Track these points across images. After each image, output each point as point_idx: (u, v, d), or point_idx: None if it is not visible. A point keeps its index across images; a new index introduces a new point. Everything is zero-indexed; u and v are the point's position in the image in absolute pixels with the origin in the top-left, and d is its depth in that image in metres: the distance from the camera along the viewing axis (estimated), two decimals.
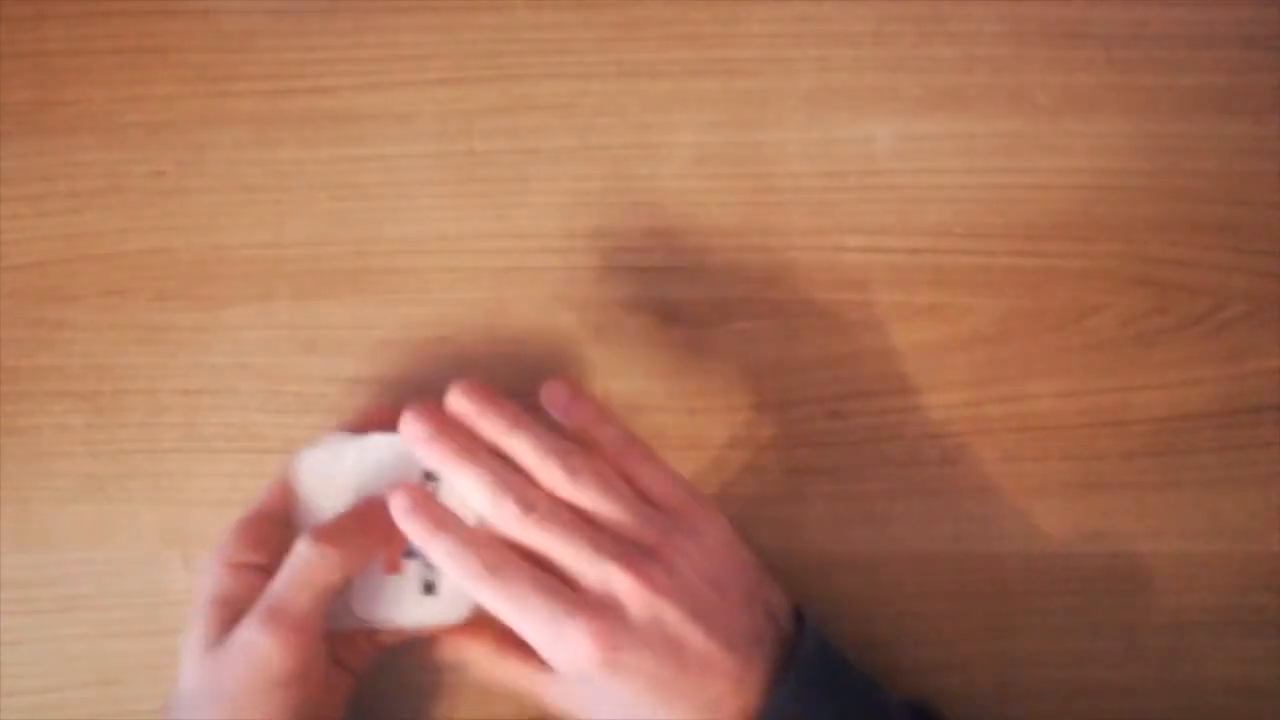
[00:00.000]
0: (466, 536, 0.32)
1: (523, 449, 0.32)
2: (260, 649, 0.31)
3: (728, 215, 0.41)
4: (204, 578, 0.34)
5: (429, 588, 0.34)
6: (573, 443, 0.33)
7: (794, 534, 0.41)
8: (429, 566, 0.34)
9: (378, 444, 0.35)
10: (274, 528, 0.34)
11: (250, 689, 0.31)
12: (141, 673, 0.40)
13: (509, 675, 0.34)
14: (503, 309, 0.41)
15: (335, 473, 0.35)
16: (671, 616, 0.31)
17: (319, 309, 0.41)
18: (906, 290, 0.41)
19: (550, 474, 0.32)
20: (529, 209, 0.41)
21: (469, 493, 0.32)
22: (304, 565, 0.32)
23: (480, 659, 0.34)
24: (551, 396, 0.35)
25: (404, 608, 0.34)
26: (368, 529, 0.34)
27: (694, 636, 0.31)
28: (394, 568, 0.34)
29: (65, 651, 0.40)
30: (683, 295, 0.41)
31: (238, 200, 0.41)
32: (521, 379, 0.41)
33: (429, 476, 0.34)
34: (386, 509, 0.33)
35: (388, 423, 0.34)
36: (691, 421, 0.41)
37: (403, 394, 0.41)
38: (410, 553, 0.34)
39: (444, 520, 0.32)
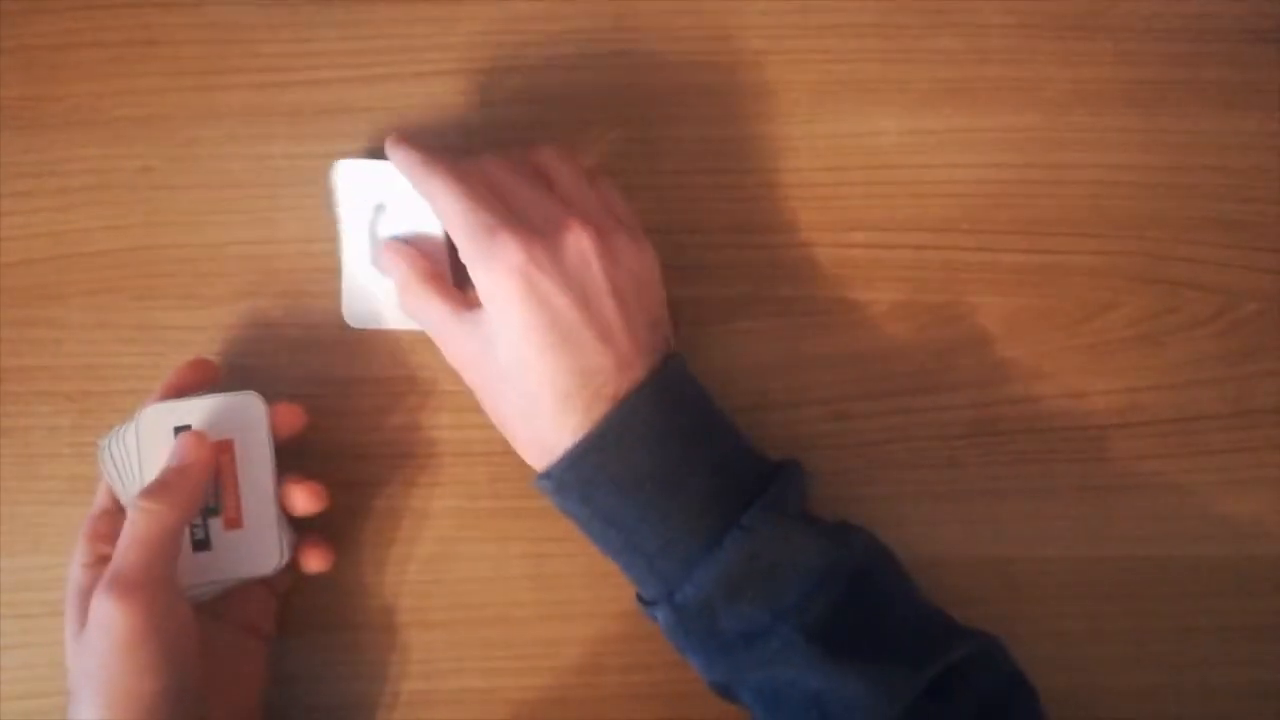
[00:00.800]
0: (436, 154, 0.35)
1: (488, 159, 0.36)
2: (104, 615, 0.32)
3: (730, 211, 0.41)
4: (67, 582, 0.36)
5: (200, 545, 0.36)
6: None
7: None
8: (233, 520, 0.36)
9: (158, 410, 0.36)
10: (115, 520, 0.36)
11: (108, 657, 0.32)
12: None
13: (425, 305, 0.36)
14: None
15: (134, 449, 0.36)
16: (598, 278, 0.33)
17: (310, 307, 0.41)
18: (912, 288, 0.41)
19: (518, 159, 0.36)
20: None
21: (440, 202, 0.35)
22: (129, 526, 0.33)
23: (410, 280, 0.36)
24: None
25: (208, 565, 0.36)
26: (183, 471, 0.35)
27: (607, 305, 0.33)
28: (235, 524, 0.36)
29: (54, 657, 0.40)
30: (683, 293, 0.41)
31: (228, 196, 0.41)
32: None
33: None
34: (200, 446, 0.35)
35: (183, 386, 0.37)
36: None
37: (398, 394, 0.41)
38: (212, 510, 0.36)
39: (419, 146, 0.36)
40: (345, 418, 0.40)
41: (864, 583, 0.34)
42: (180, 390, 0.37)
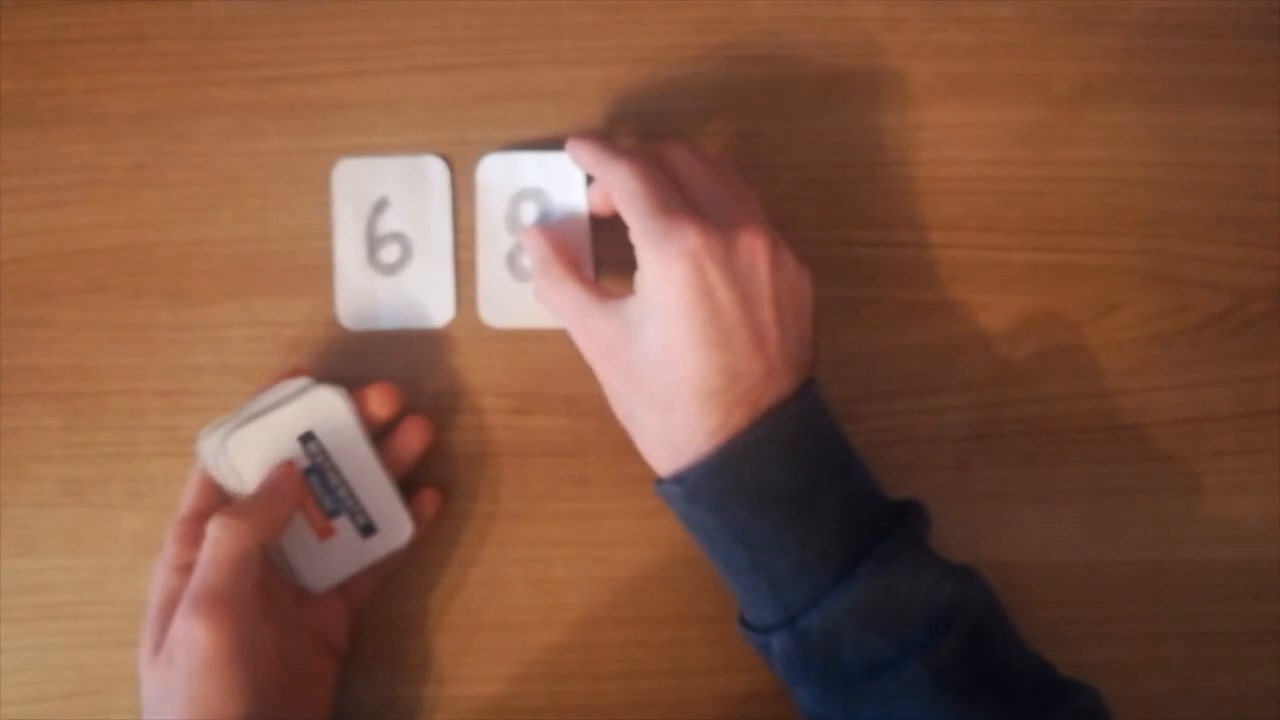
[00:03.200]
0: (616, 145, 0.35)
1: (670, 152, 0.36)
2: (188, 633, 0.32)
3: None
4: (153, 586, 0.35)
5: (367, 529, 0.37)
6: None
7: None
8: (357, 511, 0.37)
9: (247, 432, 0.36)
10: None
11: (191, 677, 0.32)
12: (122, 683, 0.40)
13: (565, 289, 0.35)
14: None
15: (229, 469, 0.36)
16: (763, 282, 0.33)
17: (304, 306, 0.40)
18: (919, 287, 0.40)
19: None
20: None
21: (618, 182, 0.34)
22: (212, 543, 0.33)
23: (550, 265, 0.36)
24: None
25: (354, 555, 0.37)
26: (270, 496, 0.35)
27: (766, 312, 0.33)
28: (327, 532, 0.37)
29: (45, 661, 0.40)
30: None
31: (220, 193, 0.41)
32: (521, 374, 0.40)
33: (306, 438, 0.37)
34: (289, 477, 0.35)
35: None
36: None
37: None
38: (335, 511, 0.37)
39: (602, 138, 0.36)
40: None
41: (987, 627, 0.34)
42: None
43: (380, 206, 0.40)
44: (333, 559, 0.37)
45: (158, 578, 0.35)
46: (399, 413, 0.38)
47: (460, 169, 0.40)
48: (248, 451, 0.36)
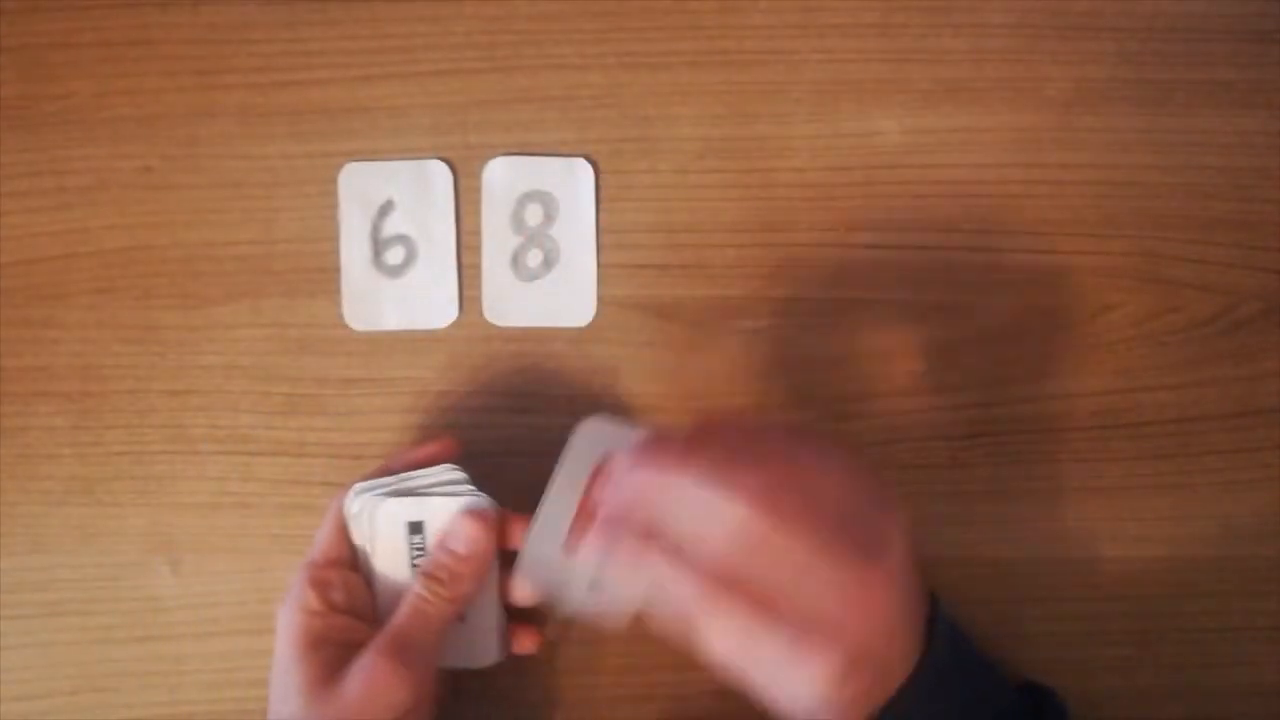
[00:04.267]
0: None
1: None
2: (384, 680, 0.33)
3: (730, 211, 0.41)
4: (288, 626, 0.35)
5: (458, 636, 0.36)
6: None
7: None
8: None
9: (397, 505, 0.36)
10: (341, 570, 0.36)
11: (378, 714, 0.32)
12: (129, 679, 0.40)
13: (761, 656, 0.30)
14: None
15: (368, 534, 0.36)
16: (880, 635, 0.29)
17: (310, 307, 0.41)
18: (914, 288, 0.41)
19: None
20: None
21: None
22: (422, 603, 0.34)
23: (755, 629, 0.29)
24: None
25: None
26: (468, 567, 0.35)
27: (880, 646, 0.30)
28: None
29: (52, 657, 0.40)
30: (684, 293, 0.41)
31: (227, 196, 0.41)
32: (524, 373, 0.40)
33: (414, 529, 0.36)
34: (486, 552, 0.35)
35: (427, 460, 0.37)
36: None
37: (398, 394, 0.40)
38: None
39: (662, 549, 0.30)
40: (344, 418, 0.40)
41: None
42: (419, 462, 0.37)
43: (385, 209, 0.41)
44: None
45: (294, 618, 0.34)
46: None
47: (464, 173, 0.41)
48: (393, 523, 0.36)
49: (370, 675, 0.33)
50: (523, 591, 0.36)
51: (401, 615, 0.34)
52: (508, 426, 0.40)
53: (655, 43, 0.41)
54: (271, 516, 0.40)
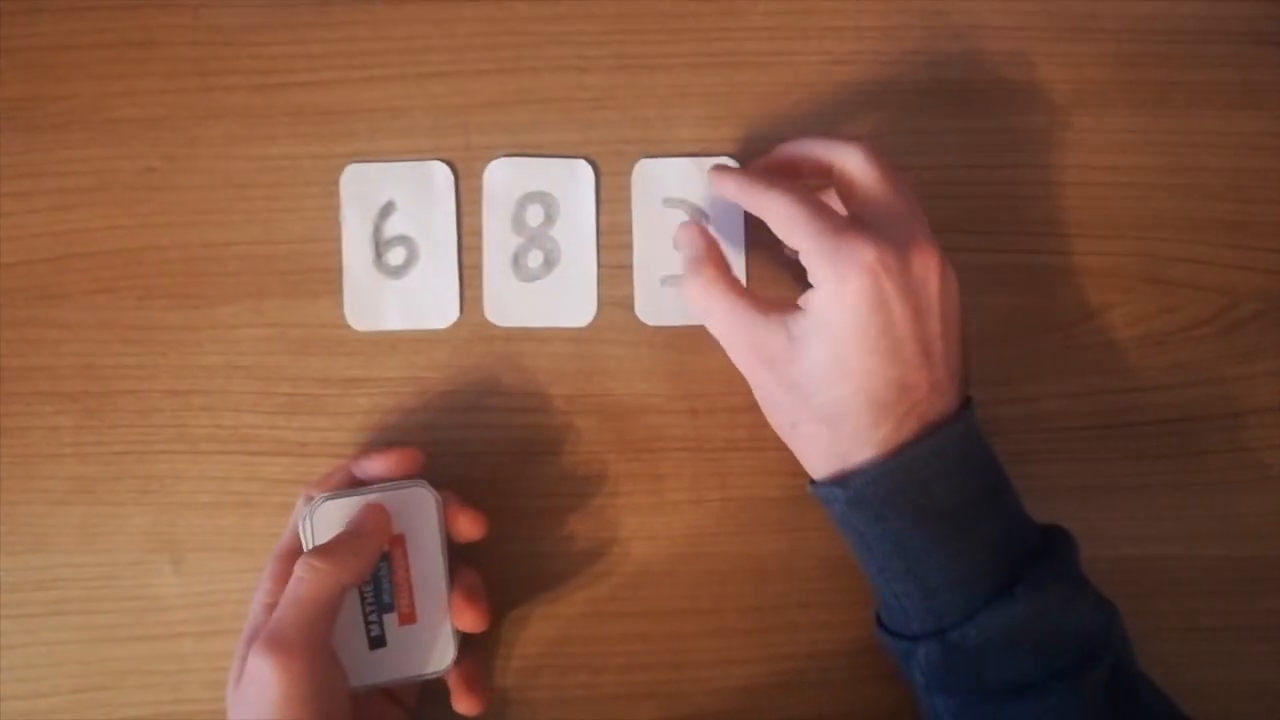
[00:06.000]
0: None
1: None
2: (261, 672, 0.32)
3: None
4: (247, 619, 0.35)
5: (376, 642, 0.36)
6: None
7: (796, 537, 0.40)
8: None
9: (334, 505, 0.36)
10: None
11: (261, 713, 0.32)
12: (130, 677, 0.40)
13: (726, 301, 0.35)
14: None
15: (310, 538, 0.36)
16: (934, 297, 0.33)
17: (311, 308, 0.41)
18: None
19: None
20: None
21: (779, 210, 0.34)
22: (295, 582, 0.33)
23: (704, 265, 0.35)
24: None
25: (396, 667, 0.36)
26: (358, 537, 0.35)
27: (934, 326, 0.33)
28: (379, 642, 0.36)
29: (55, 656, 0.40)
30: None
31: (228, 196, 0.41)
32: (524, 373, 0.40)
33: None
34: (377, 518, 0.35)
35: (386, 470, 0.37)
36: (692, 422, 0.40)
37: (400, 394, 0.41)
38: (387, 607, 0.36)
39: (744, 171, 0.37)
40: (345, 417, 0.41)
41: (1127, 665, 0.34)
42: (369, 472, 0.37)
43: (386, 210, 0.41)
44: (368, 660, 0.35)
45: (252, 609, 0.35)
46: (479, 540, 0.37)
47: (465, 174, 0.41)
48: (330, 524, 0.35)
49: (251, 670, 0.32)
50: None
51: (281, 602, 0.33)
52: (508, 426, 0.40)
53: (655, 44, 0.41)
54: (273, 516, 0.40)
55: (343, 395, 0.41)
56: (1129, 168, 0.41)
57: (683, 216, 0.41)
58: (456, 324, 0.41)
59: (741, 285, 0.35)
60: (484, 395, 0.41)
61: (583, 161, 0.41)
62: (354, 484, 0.37)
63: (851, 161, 0.34)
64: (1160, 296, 0.41)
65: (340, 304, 0.41)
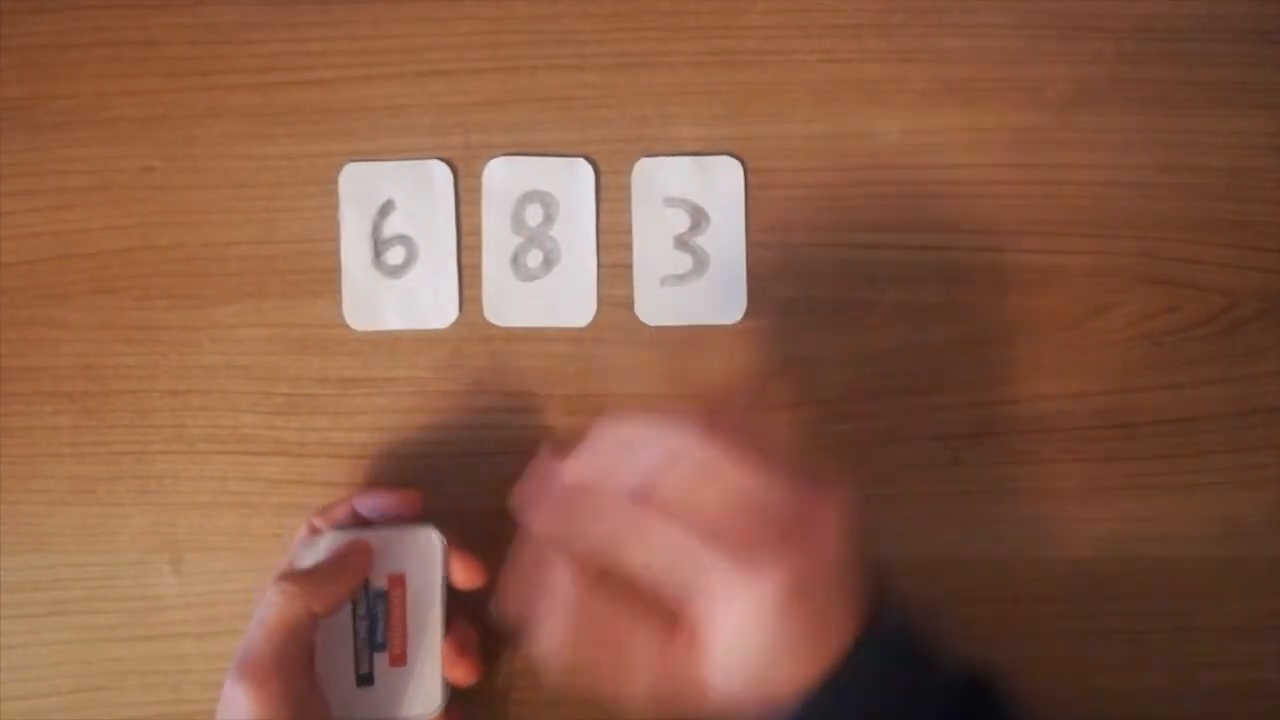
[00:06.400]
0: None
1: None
2: (231, 697, 0.32)
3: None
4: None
5: (364, 680, 0.35)
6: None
7: None
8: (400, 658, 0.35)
9: (339, 538, 0.36)
10: None
11: None
12: (130, 677, 0.40)
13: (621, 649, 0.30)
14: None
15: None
16: (834, 560, 0.29)
17: (311, 307, 0.41)
18: (913, 288, 0.41)
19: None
20: None
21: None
22: (266, 606, 0.33)
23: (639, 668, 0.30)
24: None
25: (382, 705, 0.35)
26: (335, 567, 0.34)
27: (841, 586, 0.30)
28: (367, 680, 0.35)
29: (54, 656, 0.40)
30: None
31: (228, 196, 0.41)
32: (523, 373, 0.41)
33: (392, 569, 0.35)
34: (358, 552, 0.35)
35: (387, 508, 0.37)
36: None
37: (399, 394, 0.41)
38: (379, 646, 0.35)
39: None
40: (345, 417, 0.41)
41: None
42: (370, 507, 0.37)
43: (386, 210, 0.41)
44: (355, 697, 0.35)
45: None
46: (480, 588, 0.36)
47: (464, 173, 0.41)
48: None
49: (225, 695, 0.32)
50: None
51: (251, 626, 0.32)
52: (508, 426, 0.40)
53: (655, 43, 0.41)
54: (272, 516, 0.40)
55: (342, 395, 0.41)
56: (1129, 166, 0.41)
57: (683, 217, 0.40)
58: (456, 324, 0.41)
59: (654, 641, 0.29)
60: (483, 395, 0.41)
61: (582, 161, 0.41)
62: (355, 517, 0.37)
63: (687, 452, 0.29)
64: (1160, 296, 0.41)
65: (339, 304, 0.41)
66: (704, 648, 0.29)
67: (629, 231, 0.41)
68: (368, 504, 0.37)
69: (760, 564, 0.28)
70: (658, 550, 0.29)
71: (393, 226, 0.41)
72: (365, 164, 0.41)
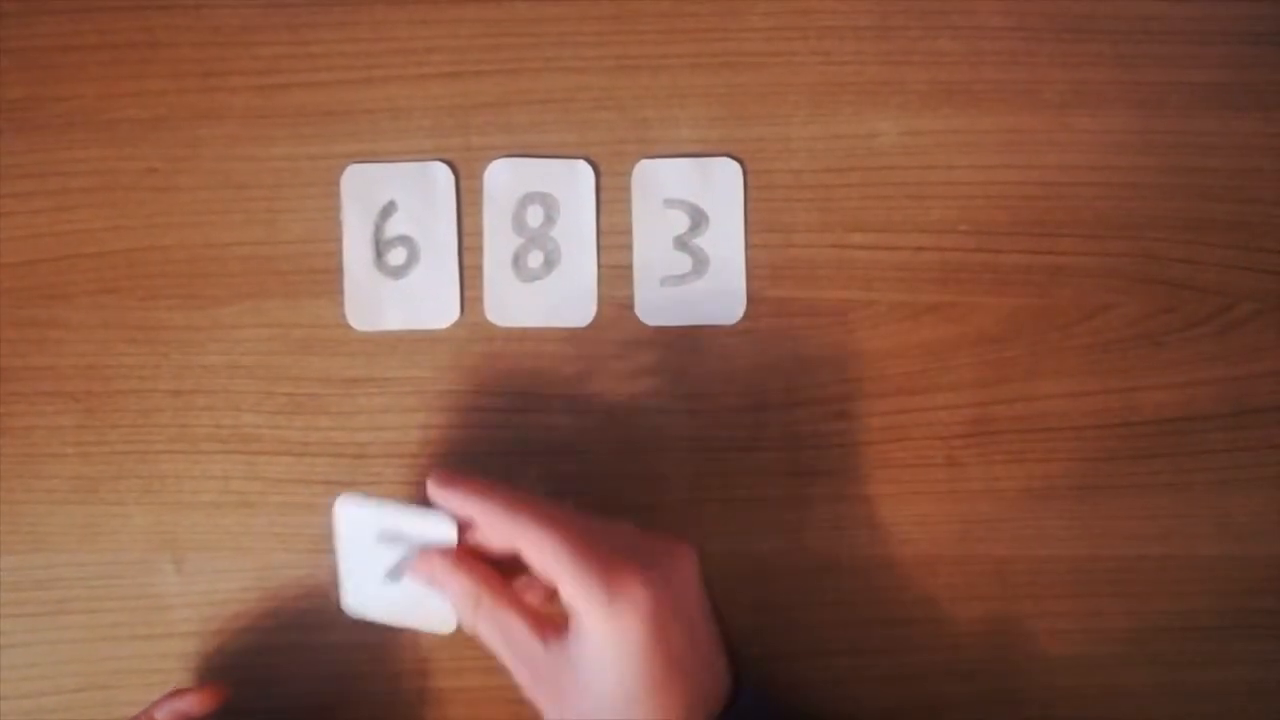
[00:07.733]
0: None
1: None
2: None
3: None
4: None
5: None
6: None
7: (796, 536, 0.40)
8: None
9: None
10: None
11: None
12: (132, 676, 0.40)
13: (506, 629, 0.33)
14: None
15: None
16: (699, 603, 0.33)
17: (312, 308, 0.41)
18: (911, 289, 0.41)
19: None
20: None
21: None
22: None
23: (483, 599, 0.33)
24: None
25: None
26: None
27: (706, 629, 0.33)
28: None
29: (57, 655, 0.40)
30: None
31: (230, 197, 0.41)
32: (524, 373, 0.41)
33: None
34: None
35: None
36: (692, 421, 0.41)
37: (400, 394, 0.41)
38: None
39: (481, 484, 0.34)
40: (345, 417, 0.41)
41: None
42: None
43: (387, 211, 0.41)
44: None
45: None
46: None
47: (465, 174, 0.41)
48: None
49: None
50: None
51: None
52: (508, 426, 0.41)
53: (655, 45, 0.41)
54: (274, 515, 0.40)
55: (344, 395, 0.41)
56: (1126, 168, 0.41)
57: (683, 218, 0.41)
58: (457, 324, 0.41)
59: (526, 604, 0.33)
60: (484, 395, 0.41)
61: (583, 162, 0.41)
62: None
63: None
64: (1158, 297, 0.41)
65: (341, 304, 0.41)
66: (575, 666, 0.32)
67: (629, 232, 0.41)
68: (165, 709, 0.36)
69: (625, 588, 0.31)
70: (535, 556, 0.32)
71: (394, 227, 0.41)
72: (367, 165, 0.41)
